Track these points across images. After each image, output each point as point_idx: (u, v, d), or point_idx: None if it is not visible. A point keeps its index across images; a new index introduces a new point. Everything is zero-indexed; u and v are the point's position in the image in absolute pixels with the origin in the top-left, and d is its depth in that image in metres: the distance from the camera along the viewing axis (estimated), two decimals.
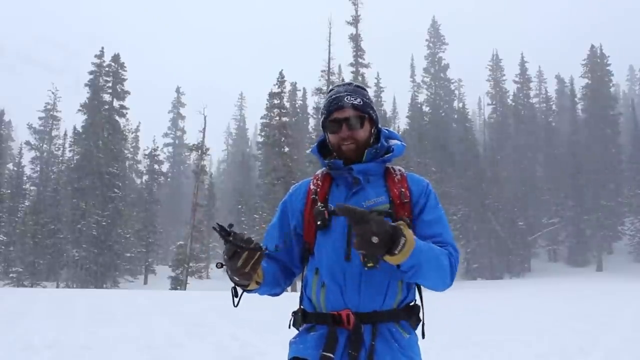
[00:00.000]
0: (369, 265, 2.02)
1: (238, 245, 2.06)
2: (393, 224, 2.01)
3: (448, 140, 66.68)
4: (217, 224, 2.08)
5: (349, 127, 2.41)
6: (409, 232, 2.02)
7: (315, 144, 2.58)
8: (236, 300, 2.30)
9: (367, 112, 2.45)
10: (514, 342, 11.10)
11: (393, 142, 2.53)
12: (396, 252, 1.98)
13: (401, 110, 79.53)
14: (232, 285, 2.27)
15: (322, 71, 50.63)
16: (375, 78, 65.55)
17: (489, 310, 19.23)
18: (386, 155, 2.46)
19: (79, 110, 55.67)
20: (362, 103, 2.44)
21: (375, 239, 1.92)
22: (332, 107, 2.44)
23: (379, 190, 2.40)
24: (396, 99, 79.31)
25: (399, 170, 2.50)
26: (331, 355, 2.24)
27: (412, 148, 60.20)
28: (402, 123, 74.60)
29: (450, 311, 17.72)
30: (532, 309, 19.53)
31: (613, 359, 9.08)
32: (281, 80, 51.86)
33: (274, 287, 2.48)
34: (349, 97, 2.43)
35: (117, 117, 56.33)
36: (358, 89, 2.51)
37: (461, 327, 13.55)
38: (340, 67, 58.36)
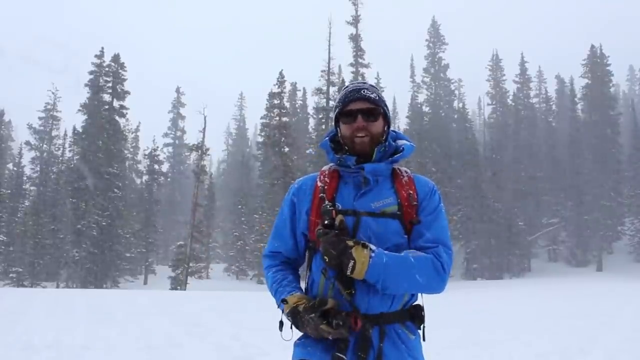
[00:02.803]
0: (346, 291, 2.25)
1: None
2: (348, 245, 2.16)
3: (448, 140, 66.73)
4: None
5: (364, 119, 2.42)
6: (360, 254, 2.15)
7: (327, 138, 2.57)
8: (285, 333, 2.37)
9: (382, 107, 2.47)
10: (514, 341, 11.11)
11: (401, 142, 2.53)
12: (348, 272, 2.15)
13: (401, 110, 79.51)
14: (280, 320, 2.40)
15: (322, 71, 50.58)
16: (375, 78, 65.53)
17: (489, 310, 19.24)
18: (395, 156, 2.46)
19: (79, 110, 55.65)
20: (378, 98, 2.47)
21: (325, 258, 2.16)
22: (349, 98, 2.46)
23: (387, 192, 2.41)
24: (396, 99, 79.28)
25: (406, 171, 2.51)
26: (344, 357, 2.25)
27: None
28: (402, 123, 74.70)
29: (450, 311, 17.72)
30: (532, 308, 19.52)
31: (613, 359, 9.08)
32: (281, 81, 51.93)
33: None
34: (365, 90, 2.46)
35: (117, 117, 56.29)
36: (373, 87, 2.53)
37: (461, 327, 13.55)
38: (340, 67, 58.33)
